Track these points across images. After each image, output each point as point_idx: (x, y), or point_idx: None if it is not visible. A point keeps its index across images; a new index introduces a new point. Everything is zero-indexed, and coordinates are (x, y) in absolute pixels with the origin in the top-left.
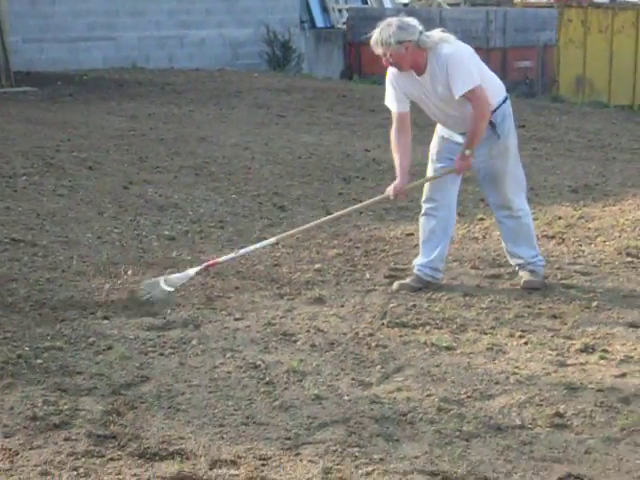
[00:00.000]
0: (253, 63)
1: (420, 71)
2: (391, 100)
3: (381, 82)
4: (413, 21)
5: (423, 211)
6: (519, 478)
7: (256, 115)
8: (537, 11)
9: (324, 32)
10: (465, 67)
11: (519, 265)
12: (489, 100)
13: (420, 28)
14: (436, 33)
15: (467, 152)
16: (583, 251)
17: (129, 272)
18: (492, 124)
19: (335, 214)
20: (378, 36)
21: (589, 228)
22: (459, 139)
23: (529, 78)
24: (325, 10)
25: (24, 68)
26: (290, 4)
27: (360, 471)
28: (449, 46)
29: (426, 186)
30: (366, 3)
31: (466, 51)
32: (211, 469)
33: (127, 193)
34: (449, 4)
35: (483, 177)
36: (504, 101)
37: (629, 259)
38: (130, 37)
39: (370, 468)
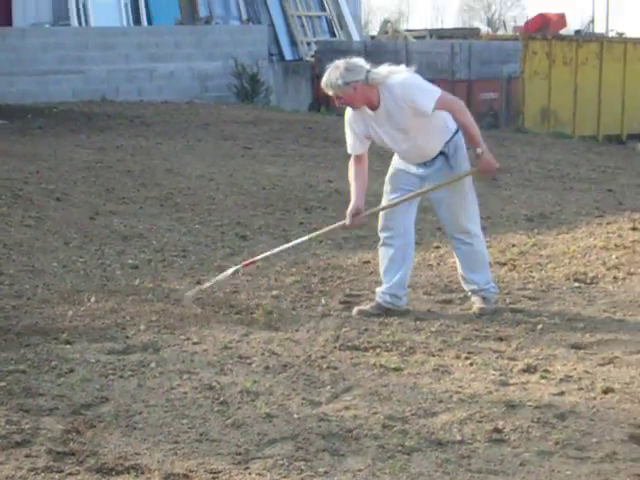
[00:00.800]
0: (222, 95)
1: (373, 107)
2: (349, 142)
3: None
4: (360, 61)
5: (381, 241)
6: None
7: (222, 147)
8: (502, 44)
9: (292, 65)
10: (420, 85)
11: (472, 291)
12: (457, 99)
13: (367, 67)
14: (383, 68)
15: (478, 150)
16: (533, 277)
17: (92, 299)
18: (445, 155)
19: (294, 241)
20: (327, 79)
21: (541, 255)
22: (415, 170)
23: (494, 110)
24: (294, 43)
25: None
26: (258, 38)
27: None
28: (398, 75)
29: (381, 215)
30: (334, 36)
31: (410, 76)
32: None
33: (93, 223)
34: (415, 37)
35: (438, 205)
36: (456, 132)
37: (576, 284)
38: (99, 70)
39: None
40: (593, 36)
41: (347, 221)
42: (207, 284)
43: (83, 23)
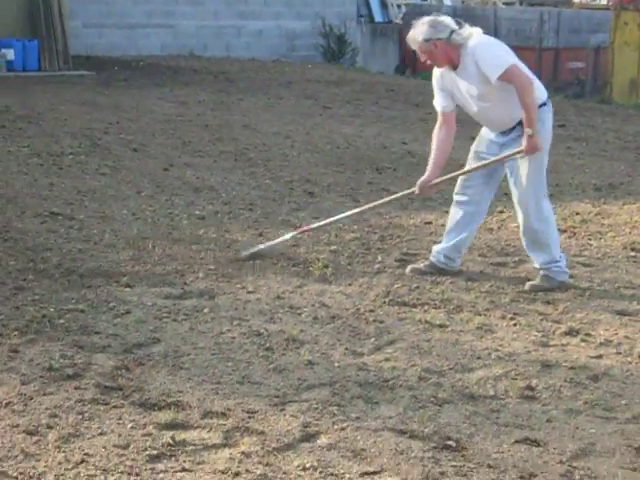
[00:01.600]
0: (309, 55)
1: (455, 66)
2: (436, 99)
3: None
4: (446, 20)
5: (454, 201)
6: (480, 439)
7: (302, 105)
8: (591, 13)
9: (380, 27)
10: (492, 52)
11: (534, 267)
12: (526, 75)
13: (453, 27)
14: (466, 29)
15: (528, 131)
16: (591, 245)
17: (156, 246)
18: (522, 124)
19: (365, 206)
20: (411, 34)
21: (602, 224)
22: (494, 138)
23: (581, 79)
24: (384, 5)
25: (84, 52)
26: None
27: (336, 426)
28: (474, 38)
29: (460, 179)
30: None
31: (491, 39)
32: (202, 419)
33: (166, 175)
34: (504, 3)
35: (509, 175)
36: (540, 106)
37: (633, 253)
38: (188, 25)
39: (345, 424)
40: None
41: (416, 190)
42: (262, 246)
43: None
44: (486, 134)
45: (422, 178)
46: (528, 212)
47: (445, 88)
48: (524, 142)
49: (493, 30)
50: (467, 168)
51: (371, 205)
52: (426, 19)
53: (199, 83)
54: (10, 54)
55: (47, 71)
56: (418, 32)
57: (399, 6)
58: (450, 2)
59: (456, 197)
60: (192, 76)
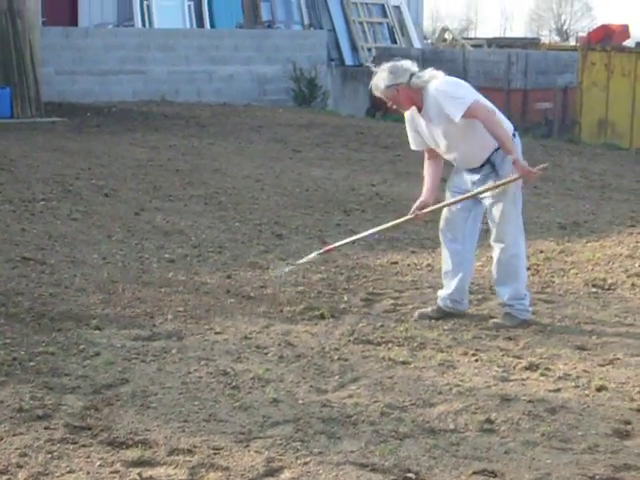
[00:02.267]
0: (280, 99)
1: (419, 109)
2: (411, 140)
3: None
4: (406, 64)
5: (441, 242)
6: (439, 472)
7: (273, 149)
8: (558, 54)
9: (351, 70)
10: (451, 93)
11: (500, 303)
12: (488, 109)
13: (413, 70)
14: (427, 72)
15: (509, 158)
16: (553, 282)
17: (126, 290)
18: (491, 163)
19: (363, 233)
20: (374, 81)
21: (566, 261)
22: (465, 175)
23: (549, 119)
24: (355, 48)
25: (56, 99)
26: (318, 42)
27: (299, 461)
28: (435, 81)
29: (441, 218)
30: (395, 42)
31: (452, 80)
32: (168, 456)
33: (137, 219)
34: (472, 45)
35: (488, 210)
36: None
37: (594, 290)
38: (160, 71)
39: (308, 459)
40: None
41: (411, 214)
42: (292, 267)
43: (147, 25)
44: (457, 171)
45: (416, 203)
46: (505, 245)
47: (416, 129)
48: (515, 170)
49: (462, 72)
50: (458, 197)
51: (382, 227)
52: (386, 65)
53: (170, 128)
54: None
55: (19, 118)
56: (379, 79)
57: (369, 49)
58: (420, 45)
59: (441, 237)
60: (163, 121)
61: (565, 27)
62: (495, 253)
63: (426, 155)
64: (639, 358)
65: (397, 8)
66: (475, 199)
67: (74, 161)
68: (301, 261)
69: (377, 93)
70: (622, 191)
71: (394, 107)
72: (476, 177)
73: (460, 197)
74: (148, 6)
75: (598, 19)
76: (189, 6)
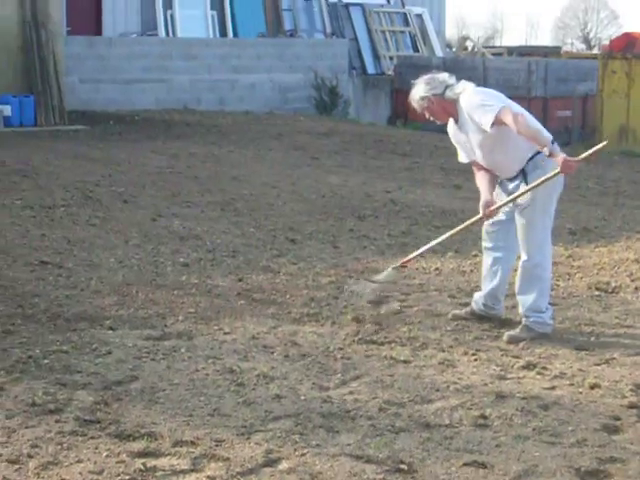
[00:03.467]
0: (302, 107)
1: (456, 120)
2: (459, 153)
3: (424, 128)
4: (442, 76)
5: (482, 247)
6: (431, 463)
7: (291, 157)
8: (578, 62)
9: (372, 78)
10: (477, 104)
11: (520, 314)
12: (516, 112)
13: (448, 82)
14: (460, 85)
15: (545, 151)
16: (558, 285)
17: (140, 292)
18: (523, 172)
19: (437, 239)
20: (411, 93)
21: (572, 266)
22: (506, 183)
23: (568, 127)
24: (377, 57)
25: (80, 107)
26: (339, 51)
27: (297, 453)
28: (464, 95)
29: (484, 225)
30: (417, 51)
31: (479, 90)
32: (173, 447)
33: (154, 225)
34: (493, 54)
35: (518, 216)
36: (538, 152)
37: (597, 293)
38: (182, 80)
39: (305, 451)
40: None
41: (481, 213)
42: (371, 285)
43: (170, 34)
44: (501, 182)
45: (480, 202)
46: (529, 254)
47: (460, 141)
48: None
49: (482, 80)
50: (511, 197)
51: (454, 231)
52: (423, 77)
53: (191, 136)
54: (7, 110)
55: (43, 126)
56: (415, 90)
57: (391, 58)
58: (442, 54)
59: (483, 244)
60: (185, 129)
61: (591, 35)
62: (520, 261)
63: (475, 168)
64: (635, 358)
65: (419, 17)
66: (510, 208)
67: (95, 168)
68: (378, 278)
69: (414, 104)
70: (636, 198)
71: (431, 119)
72: (511, 186)
73: (500, 203)
74: (172, 15)
75: (625, 27)
76: (212, 16)
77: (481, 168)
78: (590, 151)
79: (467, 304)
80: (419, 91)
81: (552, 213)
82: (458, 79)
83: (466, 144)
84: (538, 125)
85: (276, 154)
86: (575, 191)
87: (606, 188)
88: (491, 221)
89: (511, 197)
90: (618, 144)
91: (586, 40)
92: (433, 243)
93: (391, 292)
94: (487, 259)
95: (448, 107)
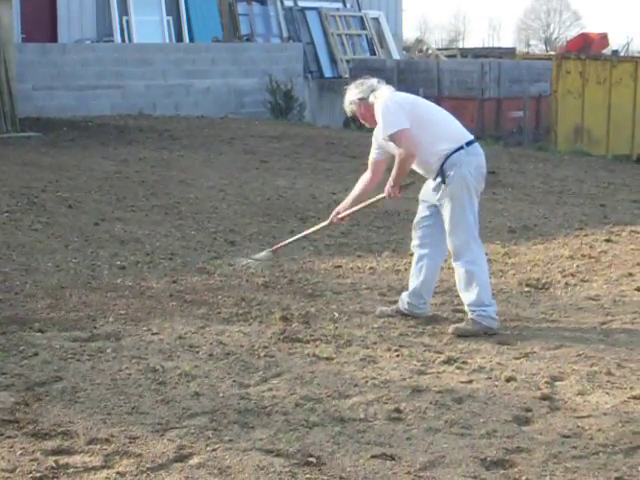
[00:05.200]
0: (257, 111)
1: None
2: (371, 150)
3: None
4: (372, 81)
5: (411, 245)
6: (340, 456)
7: (241, 160)
8: (532, 63)
9: (328, 82)
10: (383, 115)
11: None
12: (410, 143)
13: (375, 87)
14: (380, 90)
15: (390, 181)
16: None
17: (73, 295)
18: (442, 170)
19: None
20: (344, 99)
21: (506, 263)
22: (430, 183)
23: (522, 128)
24: (333, 61)
25: (34, 114)
26: (294, 55)
27: (208, 448)
28: (377, 101)
29: (413, 223)
30: (374, 54)
31: (390, 101)
32: (87, 445)
33: (96, 229)
34: (447, 56)
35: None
36: (456, 150)
37: (527, 289)
38: (137, 85)
39: (217, 446)
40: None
41: (327, 222)
42: (248, 260)
43: (126, 40)
44: (426, 181)
45: (332, 213)
46: (457, 251)
47: (379, 141)
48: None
49: (437, 82)
50: (358, 206)
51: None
52: (354, 82)
53: (143, 141)
54: None
55: None
56: (346, 95)
57: (348, 61)
58: (399, 56)
59: (412, 242)
60: (137, 135)
61: (554, 36)
62: (453, 262)
63: (370, 166)
64: (555, 351)
65: (376, 20)
66: (437, 207)
67: (43, 174)
68: (256, 256)
69: (345, 108)
70: (580, 196)
71: (363, 122)
72: (433, 185)
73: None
74: (127, 21)
75: (587, 28)
76: (168, 21)
77: (369, 171)
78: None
79: (396, 302)
80: (349, 95)
81: (475, 208)
82: (413, 81)
83: (389, 144)
84: (451, 130)
85: (226, 158)
86: (520, 190)
87: (551, 187)
88: (418, 217)
89: (363, 205)
90: (573, 144)
91: (549, 41)
92: (302, 234)
93: (321, 291)
94: (414, 257)
95: (372, 111)
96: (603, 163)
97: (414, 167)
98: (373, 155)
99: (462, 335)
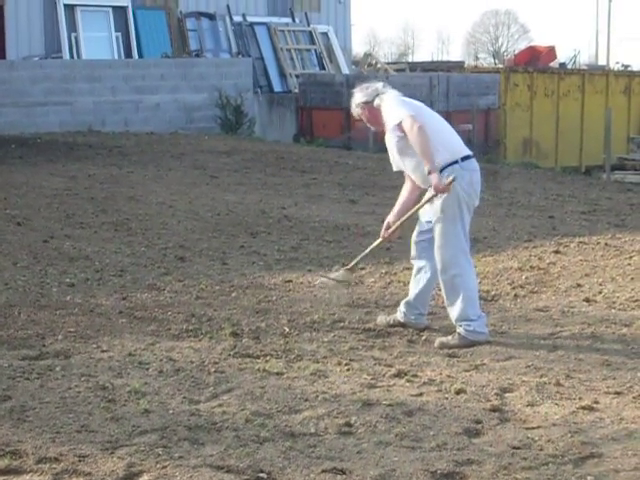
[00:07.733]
0: (207, 127)
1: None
2: (391, 161)
3: (327, 145)
4: (376, 85)
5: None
6: (291, 471)
7: (190, 176)
8: (479, 76)
9: (278, 97)
10: (387, 109)
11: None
12: (418, 125)
13: (380, 90)
14: (388, 93)
15: (425, 169)
16: (439, 295)
17: (22, 313)
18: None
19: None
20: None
21: None
22: (428, 193)
23: (471, 140)
24: (283, 75)
25: None
26: (244, 70)
27: (158, 465)
28: (385, 102)
29: (412, 236)
30: (323, 68)
31: (393, 97)
32: (36, 464)
33: (45, 246)
34: (396, 70)
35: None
36: (451, 164)
37: None
38: (86, 102)
39: (167, 463)
40: (575, 70)
41: (380, 238)
42: (322, 279)
43: (75, 56)
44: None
45: (384, 224)
46: (445, 264)
47: (388, 148)
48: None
49: None
50: (406, 215)
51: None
52: (360, 85)
53: (92, 158)
54: None
55: None
56: (352, 98)
57: (297, 76)
58: (348, 70)
59: (410, 255)
60: (86, 151)
61: (503, 49)
62: (439, 275)
63: (406, 177)
64: (504, 363)
65: (325, 35)
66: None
67: None
68: (332, 275)
69: (352, 111)
70: (529, 208)
71: (371, 127)
72: (429, 194)
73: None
74: (76, 38)
75: (535, 41)
76: (117, 37)
77: (407, 181)
78: (450, 179)
79: (349, 313)
80: (355, 99)
81: (465, 223)
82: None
83: (392, 150)
84: (449, 140)
85: (176, 174)
86: None
87: (501, 199)
88: (416, 232)
89: (405, 216)
90: (522, 156)
91: (497, 55)
92: (369, 249)
93: (270, 307)
94: (413, 269)
95: (377, 115)
96: (552, 175)
97: (408, 171)
98: (393, 166)
99: (446, 348)
